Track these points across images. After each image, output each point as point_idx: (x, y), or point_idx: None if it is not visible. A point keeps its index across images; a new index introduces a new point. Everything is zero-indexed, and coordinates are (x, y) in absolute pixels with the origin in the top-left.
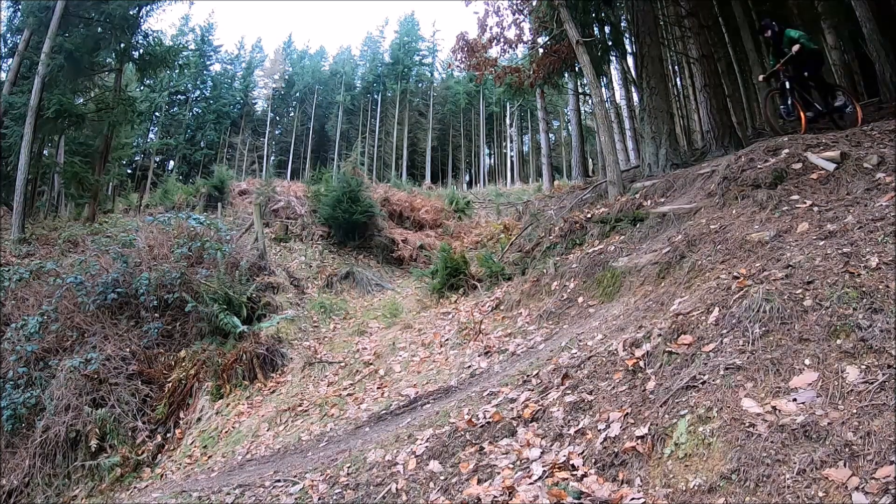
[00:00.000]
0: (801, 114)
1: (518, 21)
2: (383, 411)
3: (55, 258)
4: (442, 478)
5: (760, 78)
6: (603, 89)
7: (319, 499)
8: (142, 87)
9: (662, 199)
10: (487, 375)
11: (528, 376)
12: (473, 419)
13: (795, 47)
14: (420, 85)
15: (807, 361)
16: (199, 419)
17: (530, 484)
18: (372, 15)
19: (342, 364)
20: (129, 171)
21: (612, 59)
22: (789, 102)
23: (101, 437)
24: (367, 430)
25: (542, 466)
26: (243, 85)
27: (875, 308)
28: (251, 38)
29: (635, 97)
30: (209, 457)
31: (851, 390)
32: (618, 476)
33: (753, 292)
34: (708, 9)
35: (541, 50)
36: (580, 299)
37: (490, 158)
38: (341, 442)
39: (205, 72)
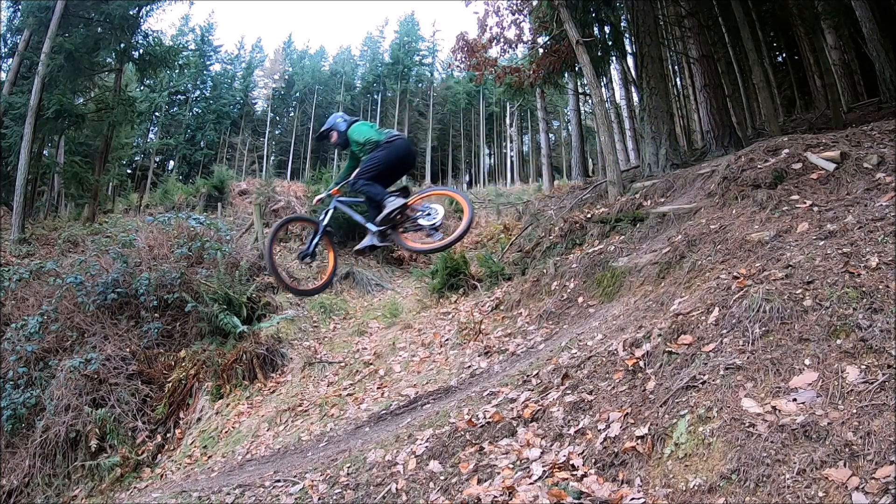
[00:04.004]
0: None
1: (518, 21)
2: (383, 411)
3: (55, 258)
4: (442, 478)
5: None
6: (603, 89)
7: (319, 499)
8: (142, 87)
9: (662, 199)
10: (487, 375)
11: (528, 376)
12: (473, 419)
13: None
14: (420, 85)
15: (807, 361)
16: (199, 419)
17: (530, 484)
18: (372, 15)
19: (342, 364)
20: (129, 171)
21: (612, 59)
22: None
23: (101, 437)
24: (367, 430)
25: (542, 466)
26: (243, 85)
27: (875, 308)
28: (251, 38)
29: (635, 97)
30: (209, 457)
31: (851, 390)
32: (618, 476)
33: (753, 292)
34: (708, 9)
35: (541, 50)
36: (580, 299)
37: (490, 158)
38: (341, 442)
39: (205, 72)
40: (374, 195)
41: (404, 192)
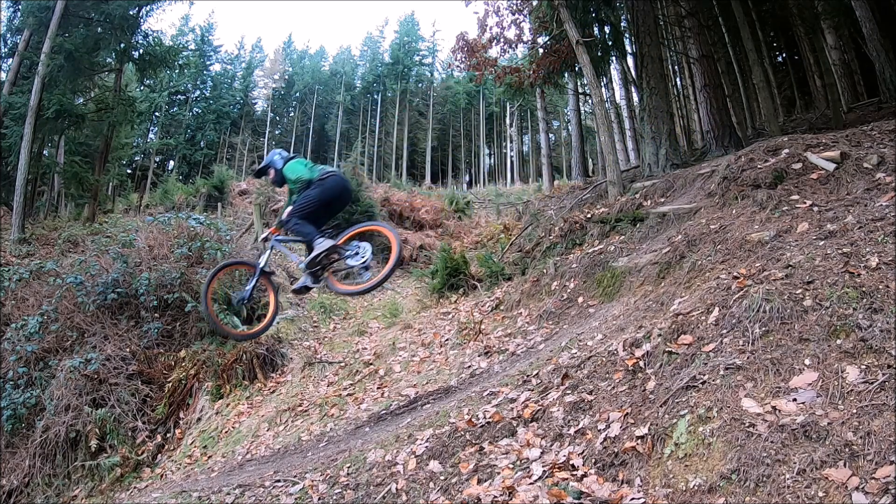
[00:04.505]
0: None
1: (518, 21)
2: (383, 411)
3: (55, 258)
4: (442, 478)
5: None
6: (603, 89)
7: (319, 499)
8: (142, 87)
9: (662, 199)
10: (487, 375)
11: (528, 376)
12: (473, 419)
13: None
14: (420, 85)
15: (807, 361)
16: (199, 419)
17: (530, 484)
18: (372, 15)
19: (342, 364)
20: (129, 171)
21: (612, 59)
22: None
23: (101, 437)
24: (367, 430)
25: (542, 466)
26: (243, 85)
27: (875, 308)
28: (251, 38)
29: (635, 97)
30: (209, 457)
31: (851, 390)
32: (618, 476)
33: (753, 292)
34: (708, 9)
35: (541, 50)
36: (580, 299)
37: (490, 158)
38: (341, 442)
39: (205, 72)
40: (305, 235)
41: (336, 229)
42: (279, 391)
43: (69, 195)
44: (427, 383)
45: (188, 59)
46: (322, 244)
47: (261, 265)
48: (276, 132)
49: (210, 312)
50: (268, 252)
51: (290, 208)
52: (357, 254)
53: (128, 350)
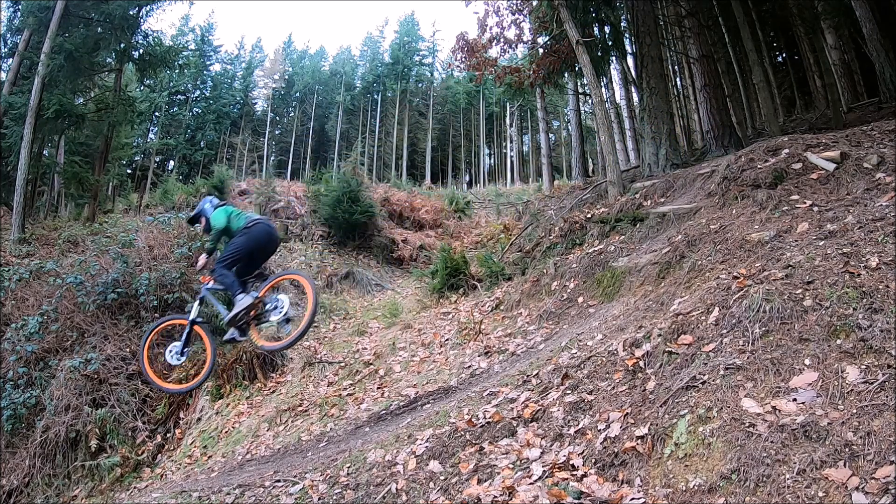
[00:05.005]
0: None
1: (518, 21)
2: (383, 411)
3: (55, 258)
4: (442, 478)
5: None
6: (603, 89)
7: (319, 499)
8: (142, 87)
9: (662, 199)
10: (487, 375)
11: (528, 376)
12: (473, 419)
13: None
14: (420, 85)
15: (807, 361)
16: (199, 419)
17: (530, 484)
18: (372, 15)
19: (342, 364)
20: (129, 171)
21: (612, 59)
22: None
23: (101, 437)
24: (367, 430)
25: (542, 466)
26: (243, 85)
27: (875, 308)
28: (251, 38)
29: (635, 97)
30: (209, 457)
31: (851, 390)
32: (618, 476)
33: (753, 292)
34: (708, 9)
35: (541, 50)
36: (580, 299)
37: (490, 158)
38: (341, 442)
39: (205, 72)
40: (228, 287)
41: (260, 277)
42: (279, 391)
43: (69, 195)
44: (427, 383)
45: (188, 59)
46: (242, 302)
47: (191, 318)
48: (276, 132)
49: (149, 374)
50: (196, 303)
51: (217, 258)
52: (276, 308)
53: (128, 350)
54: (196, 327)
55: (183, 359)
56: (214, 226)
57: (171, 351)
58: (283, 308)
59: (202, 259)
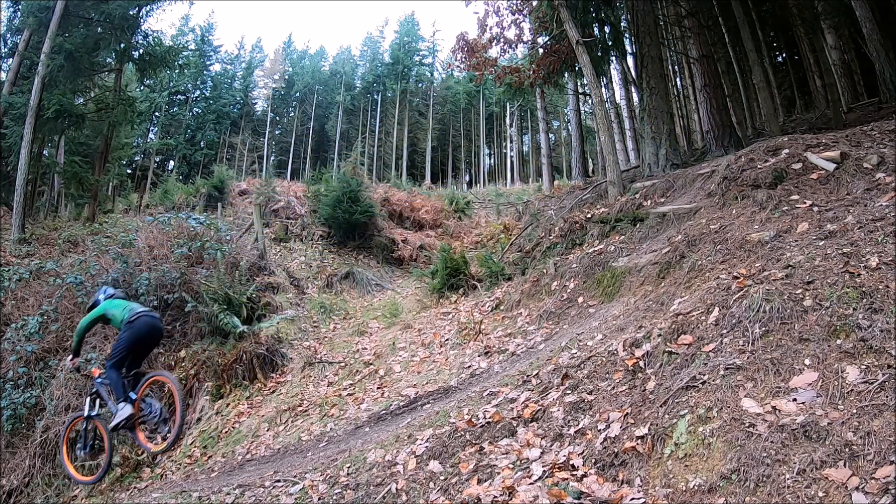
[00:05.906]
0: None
1: (518, 21)
2: (383, 411)
3: (55, 258)
4: (442, 478)
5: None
6: (603, 89)
7: (319, 499)
8: (142, 87)
9: (662, 199)
10: (487, 375)
11: (528, 376)
12: (473, 419)
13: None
14: (420, 85)
15: (807, 361)
16: (199, 419)
17: (530, 484)
18: (372, 15)
19: (342, 364)
20: (129, 171)
21: (612, 59)
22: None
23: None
24: (367, 430)
25: (542, 466)
26: (243, 85)
27: (875, 308)
28: (251, 38)
29: (635, 97)
30: (209, 457)
31: (851, 390)
32: (618, 476)
33: (753, 292)
34: (708, 9)
35: (541, 50)
36: (580, 299)
37: (490, 158)
38: (341, 442)
39: (205, 72)
40: (114, 389)
41: (137, 377)
42: (279, 391)
43: (69, 195)
44: (427, 383)
45: (188, 59)
46: (121, 413)
47: (86, 414)
48: (276, 132)
49: (66, 463)
50: (88, 398)
51: (71, 357)
52: (150, 413)
53: None
54: (94, 421)
55: (86, 451)
56: (104, 320)
57: (78, 445)
58: (155, 413)
59: (68, 361)
